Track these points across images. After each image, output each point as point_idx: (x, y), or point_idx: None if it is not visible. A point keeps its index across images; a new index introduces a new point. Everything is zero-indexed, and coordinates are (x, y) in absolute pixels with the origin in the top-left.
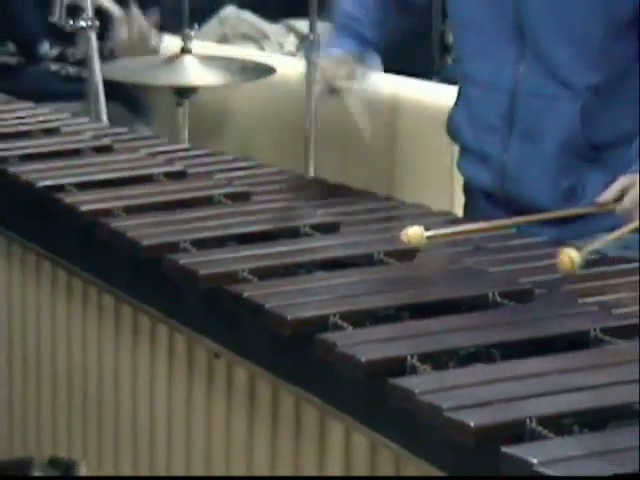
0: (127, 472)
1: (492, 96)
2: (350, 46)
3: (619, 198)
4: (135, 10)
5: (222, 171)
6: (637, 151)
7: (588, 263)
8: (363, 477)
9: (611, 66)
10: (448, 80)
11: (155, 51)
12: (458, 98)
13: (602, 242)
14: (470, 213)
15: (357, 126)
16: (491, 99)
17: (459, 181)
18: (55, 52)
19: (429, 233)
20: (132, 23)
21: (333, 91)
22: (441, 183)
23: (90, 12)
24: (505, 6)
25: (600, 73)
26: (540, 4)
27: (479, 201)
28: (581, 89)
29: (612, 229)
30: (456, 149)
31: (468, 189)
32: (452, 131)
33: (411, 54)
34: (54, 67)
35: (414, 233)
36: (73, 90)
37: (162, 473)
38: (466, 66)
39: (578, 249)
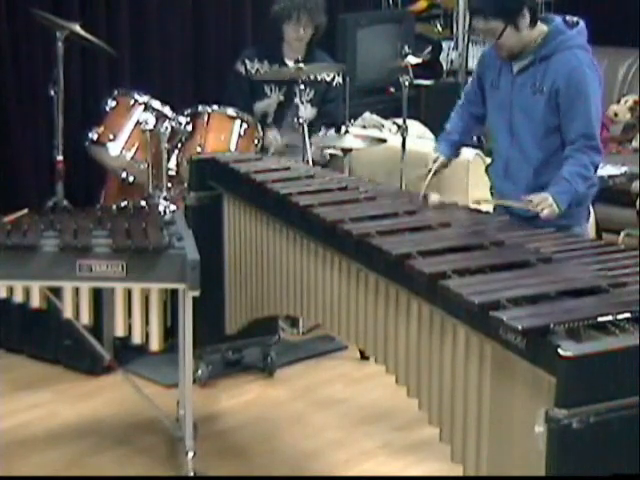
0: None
1: (499, 160)
2: (446, 150)
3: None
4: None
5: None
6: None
7: None
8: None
9: (548, 148)
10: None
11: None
12: (491, 158)
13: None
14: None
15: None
16: (498, 161)
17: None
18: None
19: None
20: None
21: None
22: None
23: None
24: (505, 117)
25: (543, 152)
26: (519, 116)
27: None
28: (534, 160)
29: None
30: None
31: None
32: (488, 173)
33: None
34: None
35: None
36: None
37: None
38: (492, 144)
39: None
